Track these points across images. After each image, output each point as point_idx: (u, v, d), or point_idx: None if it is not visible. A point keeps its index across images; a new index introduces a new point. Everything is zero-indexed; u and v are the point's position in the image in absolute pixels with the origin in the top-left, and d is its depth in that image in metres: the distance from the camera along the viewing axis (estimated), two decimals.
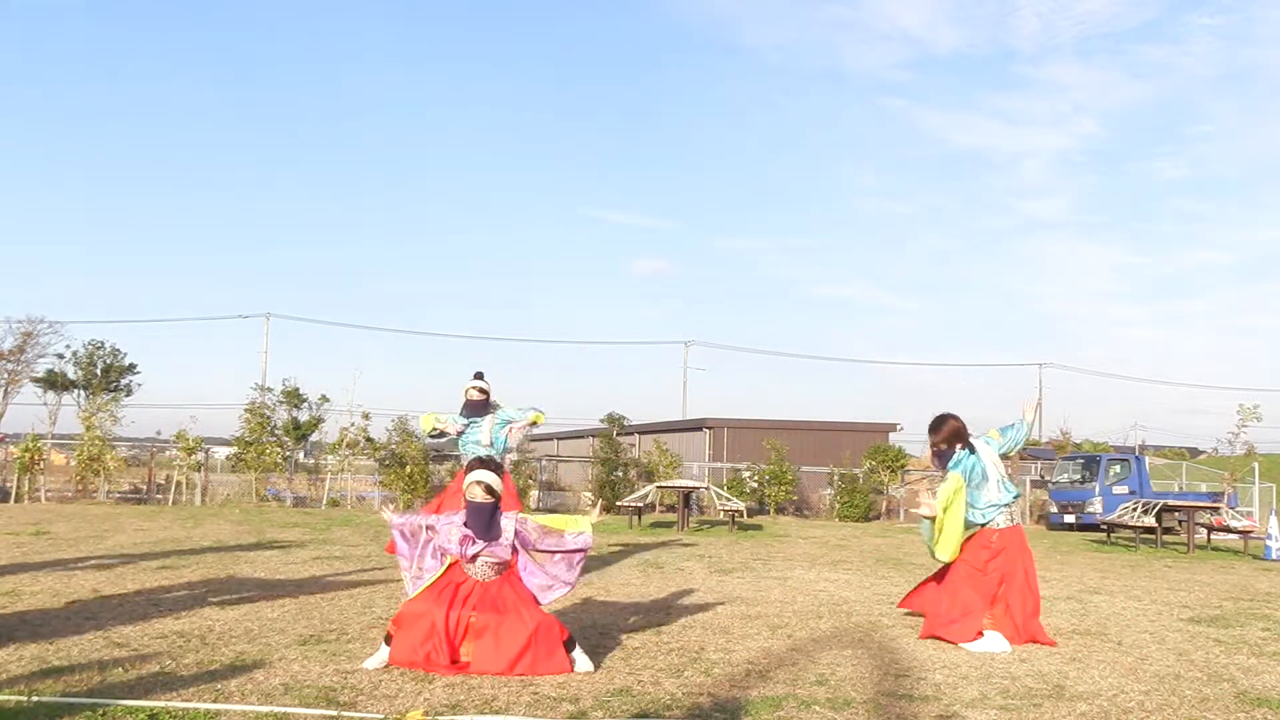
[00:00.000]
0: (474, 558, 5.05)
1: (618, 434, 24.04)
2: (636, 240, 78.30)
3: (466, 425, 8.42)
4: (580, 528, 5.21)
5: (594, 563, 10.25)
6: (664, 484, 19.64)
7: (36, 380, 26.25)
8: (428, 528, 5.15)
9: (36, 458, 19.89)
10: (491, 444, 8.31)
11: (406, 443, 21.95)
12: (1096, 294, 77.95)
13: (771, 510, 23.35)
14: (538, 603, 5.10)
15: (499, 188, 72.34)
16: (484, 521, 5.01)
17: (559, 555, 5.18)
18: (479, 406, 8.43)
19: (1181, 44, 70.95)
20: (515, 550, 5.10)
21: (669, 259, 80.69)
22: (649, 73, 74.63)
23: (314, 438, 24.24)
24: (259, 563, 9.26)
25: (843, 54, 74.05)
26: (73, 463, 21.44)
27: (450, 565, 5.14)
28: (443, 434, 8.55)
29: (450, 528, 5.07)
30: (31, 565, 8.55)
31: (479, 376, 8.54)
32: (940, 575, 6.37)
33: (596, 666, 5.03)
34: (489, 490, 5.01)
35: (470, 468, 5.21)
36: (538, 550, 5.15)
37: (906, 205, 76.09)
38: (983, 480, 6.22)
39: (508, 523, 5.07)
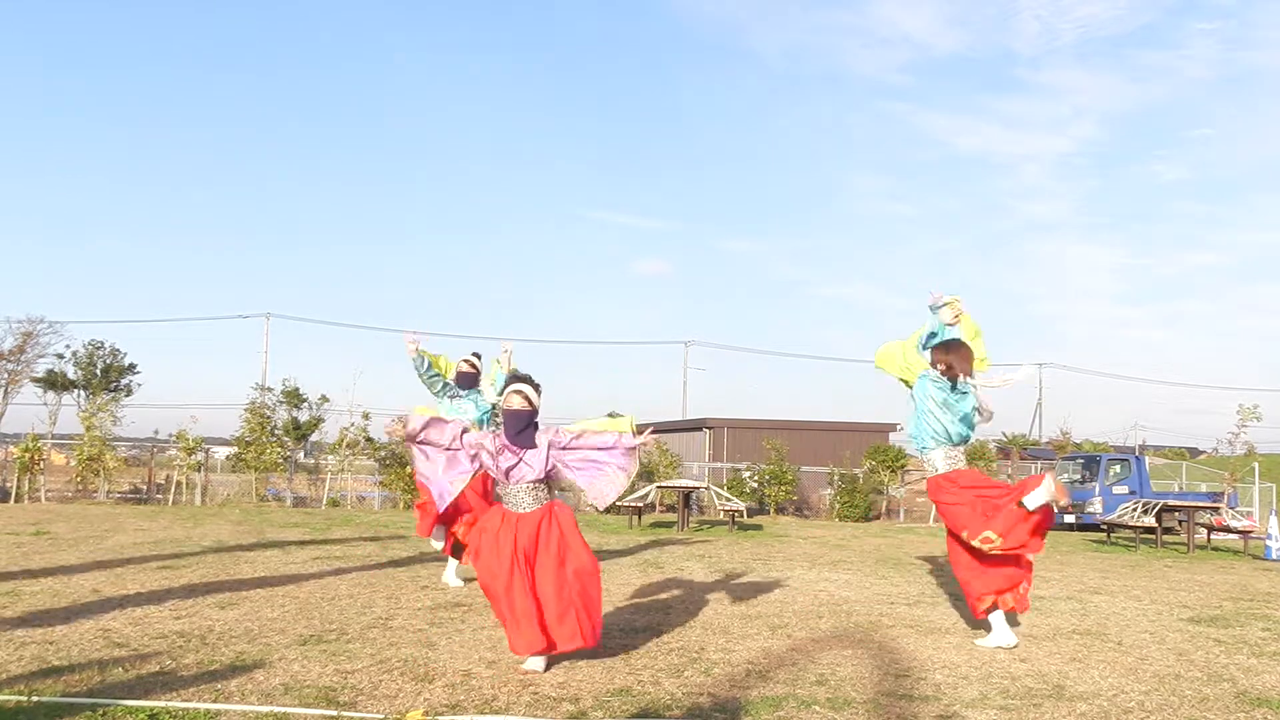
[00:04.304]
0: (508, 472, 5.05)
1: None
2: (637, 241, 78.31)
3: (453, 396, 8.39)
4: (621, 428, 5.13)
5: None
6: (664, 484, 19.63)
7: (36, 380, 26.20)
8: (462, 432, 5.16)
9: (36, 458, 19.87)
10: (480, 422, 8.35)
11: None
12: (1097, 295, 78.06)
13: (771, 510, 23.35)
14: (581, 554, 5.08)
15: (500, 188, 72.37)
16: (518, 429, 5.06)
17: (604, 450, 5.11)
18: (469, 379, 8.44)
19: (1180, 48, 71.03)
20: (548, 474, 5.11)
21: (669, 259, 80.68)
22: (652, 74, 74.68)
23: (314, 438, 24.21)
24: (259, 563, 9.25)
25: (845, 58, 74.12)
26: (73, 463, 21.43)
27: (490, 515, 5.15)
28: (434, 371, 8.39)
29: (487, 437, 5.16)
30: (32, 565, 8.54)
31: (475, 355, 8.59)
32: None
33: (591, 658, 5.04)
34: (527, 400, 5.10)
35: (510, 380, 5.29)
36: (573, 448, 5.11)
37: (907, 207, 76.15)
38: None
39: (540, 437, 5.11)
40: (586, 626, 4.95)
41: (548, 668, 4.97)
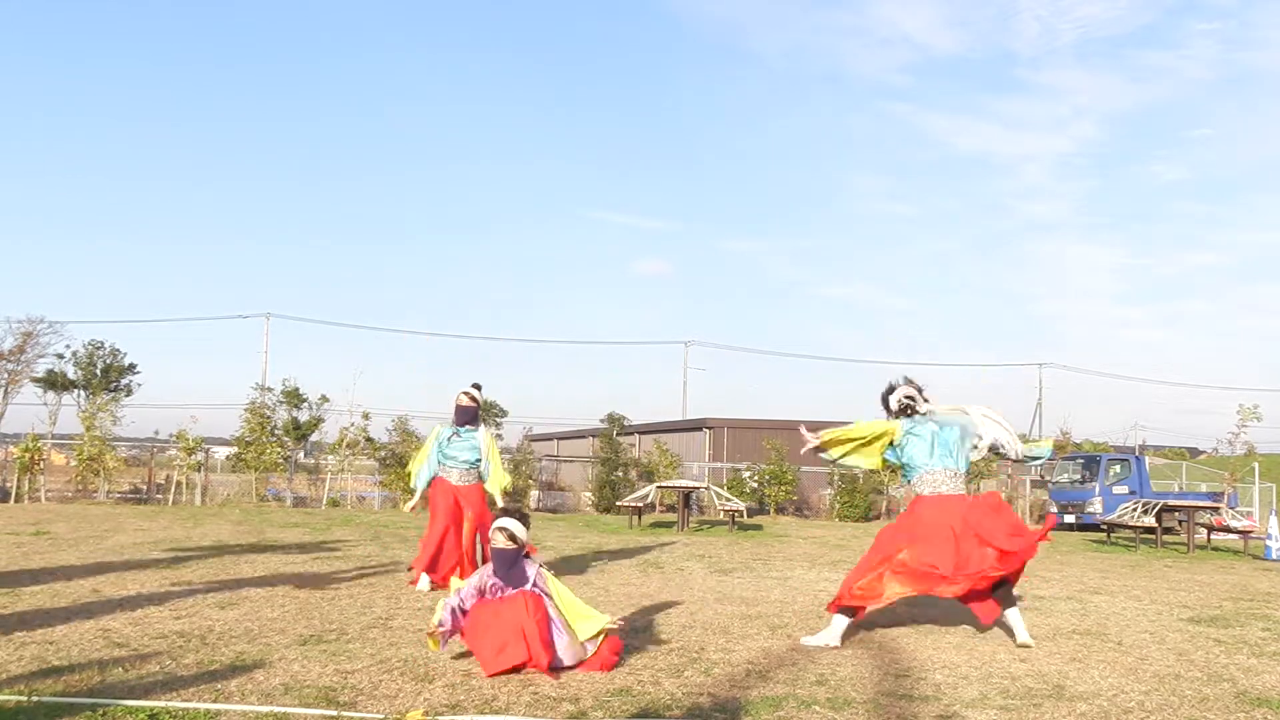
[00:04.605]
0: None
1: (618, 434, 24.04)
2: (637, 241, 78.32)
3: (452, 436, 8.33)
4: (588, 633, 5.00)
5: (594, 562, 10.25)
6: (664, 484, 19.63)
7: (36, 380, 26.12)
8: (460, 599, 5.20)
9: (36, 458, 19.87)
10: (481, 466, 8.31)
11: (406, 443, 21.94)
12: (1097, 295, 78.06)
13: (771, 510, 23.35)
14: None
15: (501, 188, 72.38)
16: (507, 567, 5.13)
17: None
18: (469, 414, 8.37)
19: (1180, 48, 71.00)
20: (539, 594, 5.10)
21: (669, 260, 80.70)
22: (653, 75, 74.69)
23: (314, 438, 24.21)
24: (259, 563, 9.25)
25: (845, 58, 74.11)
26: (73, 463, 21.43)
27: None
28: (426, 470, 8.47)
29: (477, 578, 5.20)
30: (32, 565, 8.54)
31: (476, 387, 8.51)
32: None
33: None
34: (511, 538, 5.13)
35: (497, 515, 5.34)
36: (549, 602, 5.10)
37: (908, 207, 76.15)
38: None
39: (531, 569, 5.15)
40: (606, 655, 5.01)
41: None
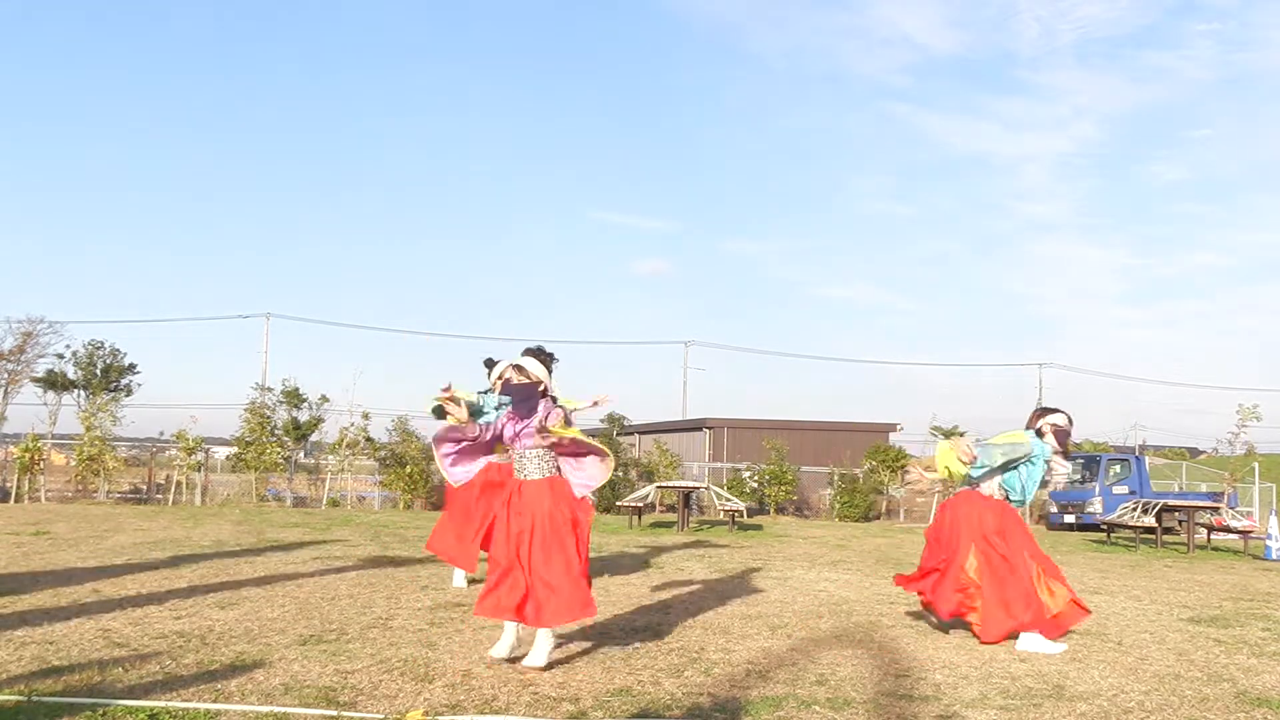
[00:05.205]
0: (516, 438, 5.25)
1: (618, 434, 24.04)
2: (637, 241, 78.24)
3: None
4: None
5: (593, 563, 10.24)
6: (664, 484, 19.64)
7: (36, 380, 26.11)
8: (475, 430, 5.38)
9: (36, 458, 19.88)
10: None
11: (406, 443, 21.95)
12: (1097, 295, 77.95)
13: (771, 510, 23.35)
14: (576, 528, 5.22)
15: (501, 189, 72.29)
16: (522, 401, 5.26)
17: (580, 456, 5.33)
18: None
19: (1180, 49, 70.88)
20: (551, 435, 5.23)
21: (669, 259, 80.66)
22: (652, 76, 74.55)
23: (314, 438, 24.19)
24: (259, 563, 9.25)
25: (845, 58, 74.02)
26: (73, 463, 21.44)
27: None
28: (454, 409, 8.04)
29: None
30: (32, 565, 8.55)
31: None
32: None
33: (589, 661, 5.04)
34: (522, 372, 5.28)
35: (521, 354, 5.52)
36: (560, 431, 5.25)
37: (908, 207, 76.08)
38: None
39: (548, 409, 5.28)
40: (577, 600, 5.08)
41: (548, 667, 4.98)
